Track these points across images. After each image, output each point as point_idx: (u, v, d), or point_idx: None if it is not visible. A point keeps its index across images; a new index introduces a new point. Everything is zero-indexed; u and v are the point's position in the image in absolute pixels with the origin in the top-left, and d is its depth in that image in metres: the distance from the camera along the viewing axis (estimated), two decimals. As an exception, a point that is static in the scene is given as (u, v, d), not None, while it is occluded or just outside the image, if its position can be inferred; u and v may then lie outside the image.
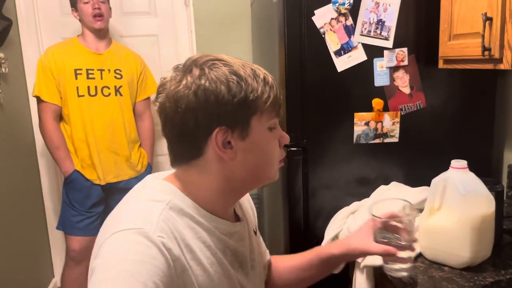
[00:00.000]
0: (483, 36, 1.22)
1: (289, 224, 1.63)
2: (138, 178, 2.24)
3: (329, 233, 1.52)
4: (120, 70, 2.25)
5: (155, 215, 0.72)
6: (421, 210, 1.40)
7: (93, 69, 2.19)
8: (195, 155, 0.76)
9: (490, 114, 1.66)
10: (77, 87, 2.17)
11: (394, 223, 0.92)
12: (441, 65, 1.49)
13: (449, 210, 1.21)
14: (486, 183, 1.21)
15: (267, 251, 1.06)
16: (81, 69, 2.18)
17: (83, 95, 2.18)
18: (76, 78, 2.17)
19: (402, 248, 0.92)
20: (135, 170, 2.32)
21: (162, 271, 0.66)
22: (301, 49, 1.56)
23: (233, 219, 0.85)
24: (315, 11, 1.53)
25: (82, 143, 2.21)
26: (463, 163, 1.21)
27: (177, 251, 0.71)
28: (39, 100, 2.18)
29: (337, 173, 1.62)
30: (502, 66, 1.20)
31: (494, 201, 1.22)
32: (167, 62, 2.70)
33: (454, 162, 1.22)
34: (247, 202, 0.98)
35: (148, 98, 2.43)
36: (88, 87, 2.18)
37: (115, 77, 2.24)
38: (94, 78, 2.19)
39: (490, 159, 1.69)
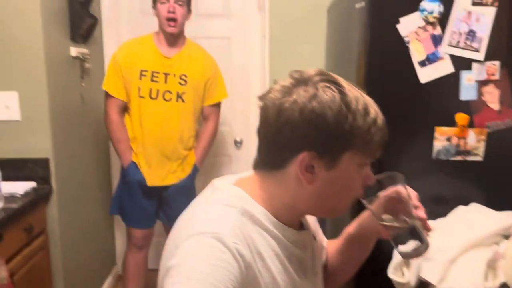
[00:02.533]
0: None
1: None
2: (184, 181, 2.28)
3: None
4: (186, 76, 2.22)
5: (230, 221, 0.72)
6: (507, 237, 1.30)
7: (158, 72, 2.19)
8: (277, 166, 0.76)
9: None
10: (139, 88, 2.18)
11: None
12: (538, 81, 1.38)
13: (543, 239, 1.11)
14: None
15: (325, 240, 1.03)
16: (146, 71, 2.18)
17: (143, 97, 2.19)
18: (140, 79, 2.18)
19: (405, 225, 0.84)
20: (180, 176, 2.30)
21: (235, 277, 0.67)
22: (382, 57, 1.51)
23: (298, 227, 0.84)
24: (400, 19, 1.47)
25: (138, 141, 2.24)
26: None
27: (250, 257, 0.71)
28: (107, 94, 2.24)
29: (412, 188, 1.53)
30: None
31: None
32: (238, 66, 2.73)
33: (553, 188, 1.11)
34: None
35: (218, 104, 2.38)
36: (150, 90, 2.19)
37: (180, 83, 2.21)
38: (157, 82, 2.19)
39: None
